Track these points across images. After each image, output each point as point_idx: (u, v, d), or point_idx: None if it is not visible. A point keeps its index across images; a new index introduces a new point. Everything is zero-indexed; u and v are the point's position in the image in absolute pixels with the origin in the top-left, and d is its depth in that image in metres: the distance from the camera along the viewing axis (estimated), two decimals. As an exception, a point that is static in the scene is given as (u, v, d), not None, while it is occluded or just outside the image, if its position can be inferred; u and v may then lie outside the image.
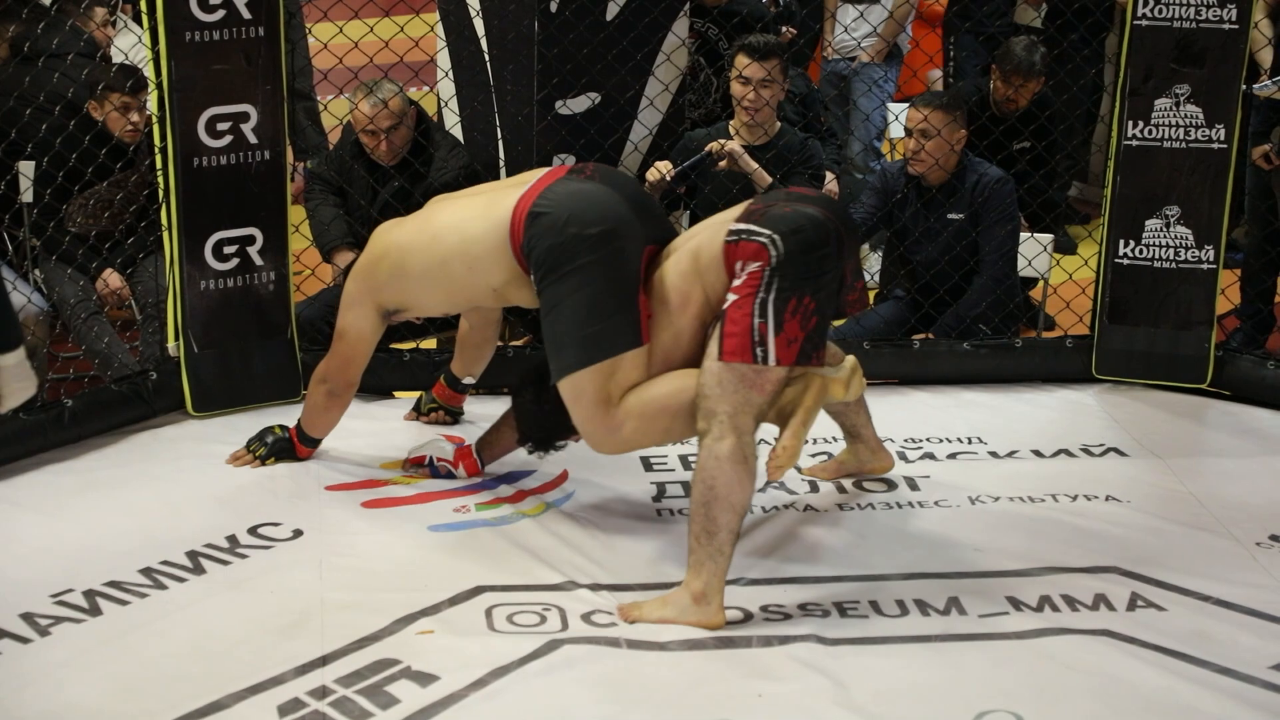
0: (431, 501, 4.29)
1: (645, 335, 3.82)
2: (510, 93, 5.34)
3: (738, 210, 3.84)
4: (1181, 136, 4.98)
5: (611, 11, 5.26)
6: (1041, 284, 5.77)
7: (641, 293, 3.84)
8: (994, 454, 4.67)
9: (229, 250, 4.73)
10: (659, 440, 3.94)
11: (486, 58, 5.41)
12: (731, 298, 3.68)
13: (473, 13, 5.39)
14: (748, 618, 3.68)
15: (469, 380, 4.70)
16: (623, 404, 3.81)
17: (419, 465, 4.44)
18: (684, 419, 3.77)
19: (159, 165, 4.66)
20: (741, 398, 3.63)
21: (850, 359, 4.02)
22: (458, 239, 4.04)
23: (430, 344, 5.46)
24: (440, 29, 5.60)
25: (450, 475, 4.39)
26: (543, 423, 4.11)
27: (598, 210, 3.87)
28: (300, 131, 7.42)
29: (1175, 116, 4.97)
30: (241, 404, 4.80)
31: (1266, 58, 5.97)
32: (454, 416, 4.79)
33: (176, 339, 4.75)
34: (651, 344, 3.84)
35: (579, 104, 5.31)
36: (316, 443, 4.50)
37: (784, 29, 6.90)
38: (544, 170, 4.15)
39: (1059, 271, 5.71)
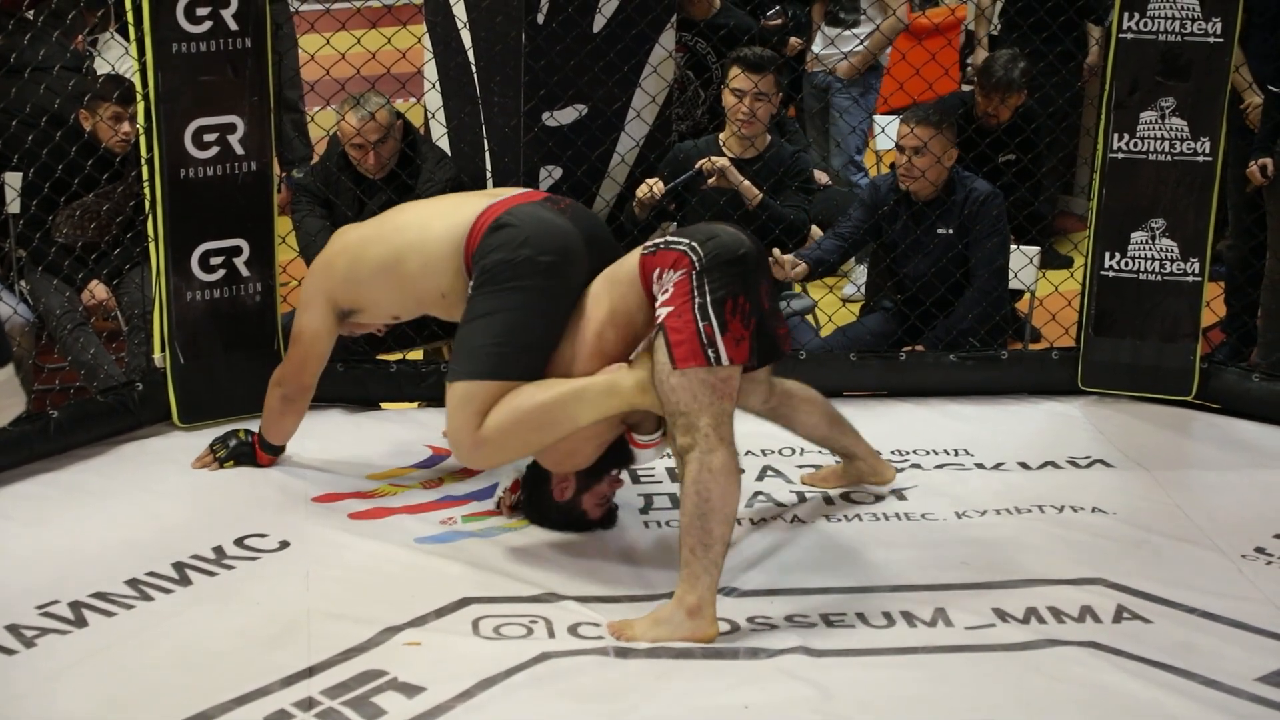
0: (418, 513, 4.28)
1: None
2: (497, 104, 5.34)
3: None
4: (1167, 149, 4.99)
5: (598, 24, 5.27)
6: (1028, 296, 5.79)
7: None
8: (980, 466, 4.68)
9: (215, 261, 4.72)
10: (517, 454, 3.97)
11: (473, 70, 5.41)
12: (665, 310, 3.67)
13: (460, 25, 5.40)
14: (735, 629, 3.68)
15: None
16: (485, 421, 3.83)
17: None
18: (539, 431, 3.81)
19: (145, 176, 4.66)
20: (717, 408, 3.63)
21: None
22: (417, 234, 4.06)
23: (416, 355, 5.46)
24: (427, 41, 5.60)
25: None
26: (558, 519, 4.15)
27: (557, 242, 3.88)
28: (287, 142, 7.42)
29: (1160, 129, 4.99)
30: (227, 415, 4.79)
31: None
32: None
33: (162, 350, 4.74)
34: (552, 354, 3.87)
35: (566, 116, 5.32)
36: (278, 450, 4.49)
37: (792, 40, 6.94)
38: (521, 190, 4.18)
39: (1045, 284, 5.72)
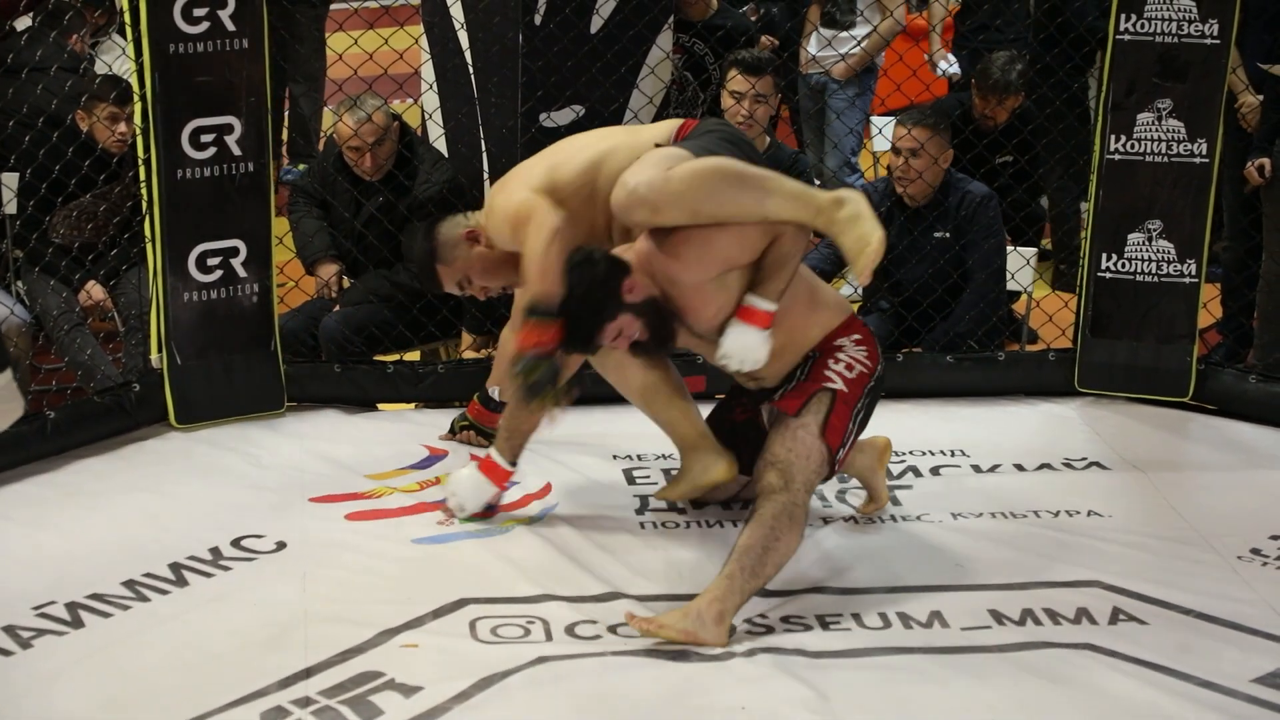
0: (415, 514, 4.28)
1: None
2: (495, 105, 5.34)
3: None
4: (1164, 151, 5.00)
5: (596, 24, 5.27)
6: (1025, 297, 5.79)
7: None
8: (976, 467, 4.68)
9: (212, 262, 4.72)
10: (684, 214, 3.71)
11: (471, 71, 5.41)
12: (839, 383, 3.86)
13: (457, 26, 5.39)
14: (731, 630, 3.68)
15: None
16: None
17: (452, 516, 4.26)
18: (721, 195, 3.69)
19: (142, 177, 4.66)
20: (815, 479, 3.82)
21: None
22: (625, 136, 4.13)
23: (414, 356, 5.46)
24: (425, 42, 5.60)
25: (491, 506, 4.25)
26: (581, 305, 3.78)
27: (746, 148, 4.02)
28: (303, 134, 7.52)
29: (1157, 131, 4.99)
30: (224, 416, 4.79)
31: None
32: (486, 437, 4.59)
33: (159, 351, 4.74)
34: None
35: (563, 116, 5.31)
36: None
37: (764, 38, 6.92)
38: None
39: (1042, 284, 5.72)
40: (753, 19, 6.92)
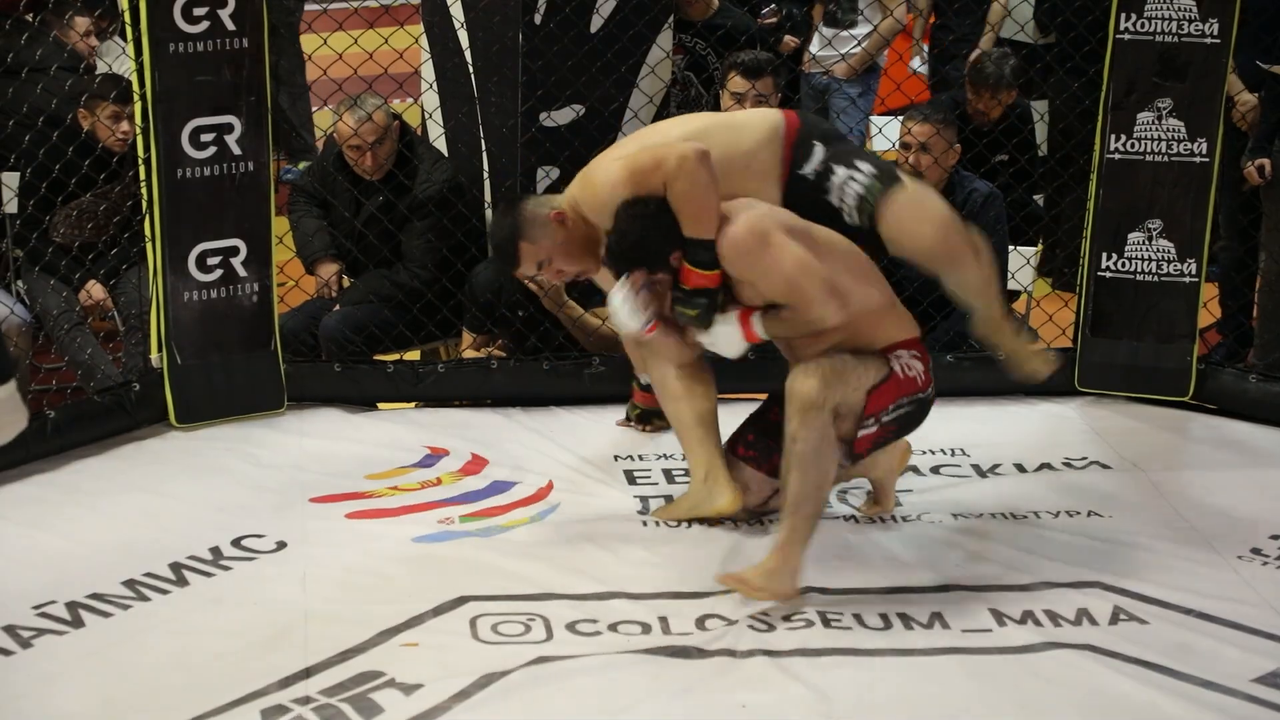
0: (416, 513, 4.28)
1: None
2: (494, 105, 5.34)
3: None
4: (1164, 150, 5.00)
5: (596, 24, 5.27)
6: (1025, 296, 5.79)
7: None
8: (977, 467, 4.68)
9: (212, 261, 4.72)
10: None
11: (471, 70, 5.41)
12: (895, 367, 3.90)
13: (457, 25, 5.39)
14: (732, 625, 3.69)
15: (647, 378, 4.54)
16: None
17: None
18: None
19: (143, 176, 4.66)
20: (848, 412, 3.88)
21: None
22: (715, 117, 4.23)
23: (414, 355, 5.46)
24: (424, 41, 5.60)
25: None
26: (632, 244, 3.90)
27: None
28: (295, 132, 7.52)
29: (1157, 130, 4.99)
30: (225, 416, 4.79)
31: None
32: (661, 418, 4.57)
33: (160, 350, 4.74)
34: None
35: (563, 116, 5.32)
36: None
37: (787, 39, 6.93)
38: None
39: (1042, 284, 5.72)
40: (772, 21, 6.91)
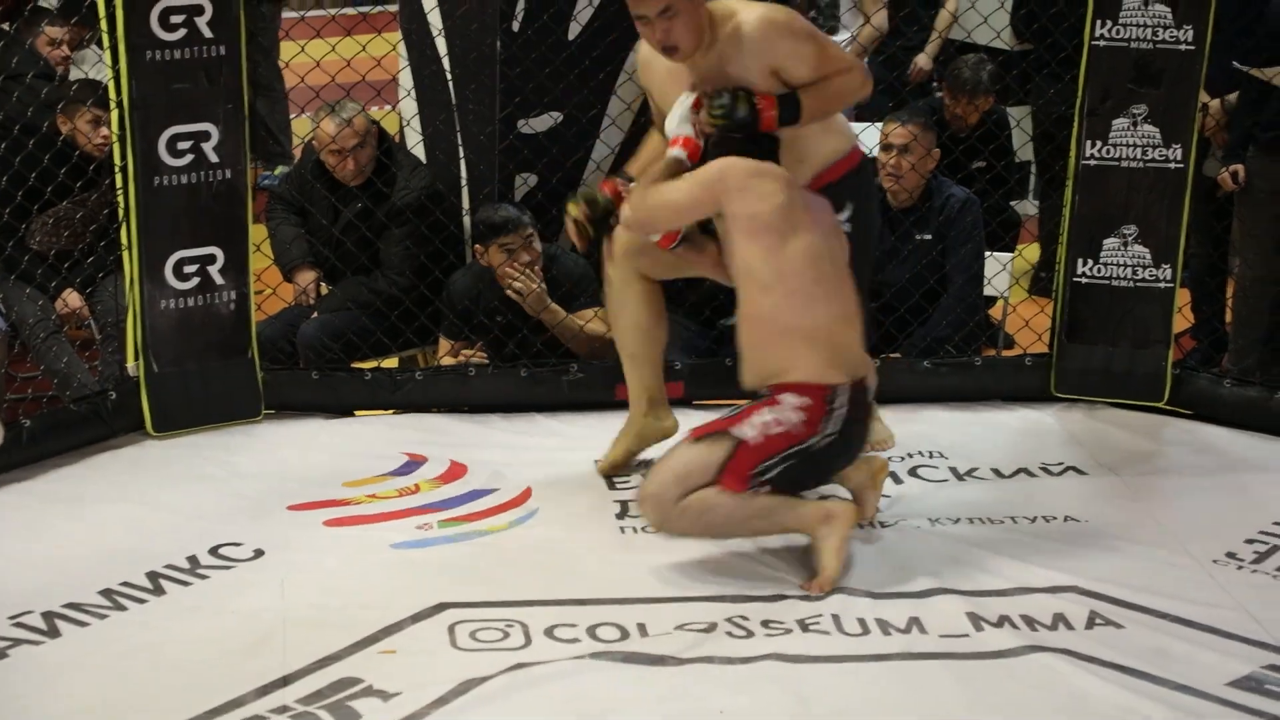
0: (394, 519, 4.28)
1: None
2: (472, 112, 5.34)
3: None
4: (1139, 156, 5.01)
5: (574, 31, 5.27)
6: (1001, 302, 5.80)
7: None
8: (954, 472, 4.69)
9: (189, 269, 4.71)
10: None
11: (449, 77, 5.41)
12: (753, 431, 3.82)
13: (435, 32, 5.40)
14: (710, 631, 3.69)
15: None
16: None
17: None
18: None
19: (119, 184, 4.65)
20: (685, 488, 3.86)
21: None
22: None
23: (392, 363, 5.45)
24: (402, 48, 5.60)
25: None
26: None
27: None
28: (272, 137, 7.51)
29: (1133, 136, 5.01)
30: (202, 424, 4.78)
31: None
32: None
33: (136, 358, 4.73)
34: None
35: (541, 123, 5.32)
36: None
37: None
38: None
39: (1018, 290, 5.74)
40: None
